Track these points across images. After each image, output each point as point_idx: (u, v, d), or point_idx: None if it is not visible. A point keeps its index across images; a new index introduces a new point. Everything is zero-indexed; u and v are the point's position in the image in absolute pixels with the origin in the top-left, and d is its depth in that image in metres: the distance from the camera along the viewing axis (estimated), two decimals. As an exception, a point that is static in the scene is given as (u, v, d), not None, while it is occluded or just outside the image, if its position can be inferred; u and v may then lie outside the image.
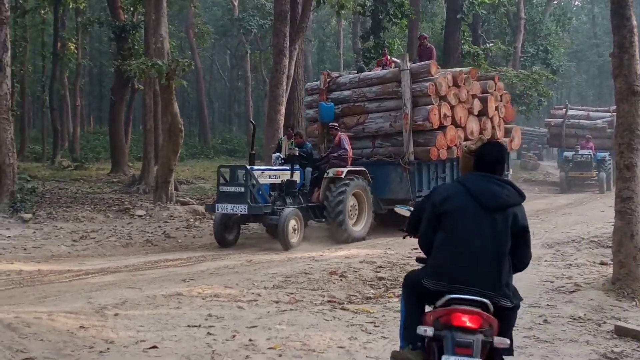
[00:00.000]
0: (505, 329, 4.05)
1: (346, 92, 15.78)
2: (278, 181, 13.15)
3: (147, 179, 20.44)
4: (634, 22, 7.91)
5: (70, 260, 11.07)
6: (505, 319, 4.07)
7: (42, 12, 33.14)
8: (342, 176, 13.36)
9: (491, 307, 3.94)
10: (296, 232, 12.60)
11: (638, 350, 5.99)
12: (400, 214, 6.39)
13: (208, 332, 6.10)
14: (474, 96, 15.42)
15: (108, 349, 5.55)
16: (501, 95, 16.55)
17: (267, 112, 20.25)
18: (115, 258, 11.46)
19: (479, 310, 3.88)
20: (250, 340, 5.91)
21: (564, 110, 32.18)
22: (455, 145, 14.77)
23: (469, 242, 4.01)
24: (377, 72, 16.03)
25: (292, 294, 7.93)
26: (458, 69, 16.14)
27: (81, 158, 30.44)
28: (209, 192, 20.55)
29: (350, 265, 9.72)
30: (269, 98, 19.78)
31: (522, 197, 4.19)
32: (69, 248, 12.17)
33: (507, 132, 16.88)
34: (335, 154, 13.89)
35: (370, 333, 6.37)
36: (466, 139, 15.13)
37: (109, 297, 7.45)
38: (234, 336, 6.03)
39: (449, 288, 3.99)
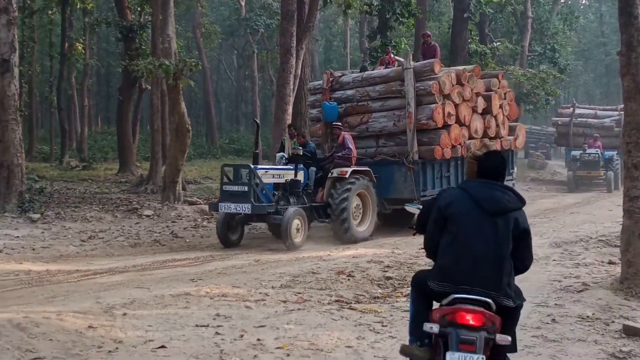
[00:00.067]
0: (508, 327, 4.23)
1: (349, 92, 15.74)
2: (282, 181, 13.08)
3: (155, 179, 20.48)
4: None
5: (78, 260, 11.10)
6: (508, 317, 4.23)
7: (50, 12, 33.25)
8: (347, 176, 13.30)
9: (493, 306, 4.13)
10: (300, 231, 12.52)
11: (646, 350, 5.98)
12: (409, 212, 6.56)
13: (216, 332, 6.11)
14: (477, 94, 15.38)
15: (117, 348, 5.57)
16: (505, 93, 16.50)
17: (274, 112, 20.26)
18: (123, 258, 11.48)
19: (481, 309, 4.06)
20: (258, 339, 5.92)
21: (572, 109, 32.10)
22: (460, 144, 14.73)
23: (471, 246, 4.20)
24: (381, 71, 16.00)
25: (299, 293, 7.94)
26: (462, 67, 16.08)
27: (89, 158, 30.53)
28: (217, 191, 20.46)
29: (357, 265, 9.72)
30: (276, 98, 19.80)
31: (523, 202, 4.37)
32: (77, 248, 12.21)
33: (512, 130, 16.84)
34: (339, 154, 13.84)
35: (378, 333, 6.37)
36: (470, 138, 15.12)
37: (117, 297, 7.47)
38: (242, 336, 6.04)
39: (454, 289, 4.18)
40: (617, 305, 7.32)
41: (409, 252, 11.03)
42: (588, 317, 6.90)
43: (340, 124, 14.59)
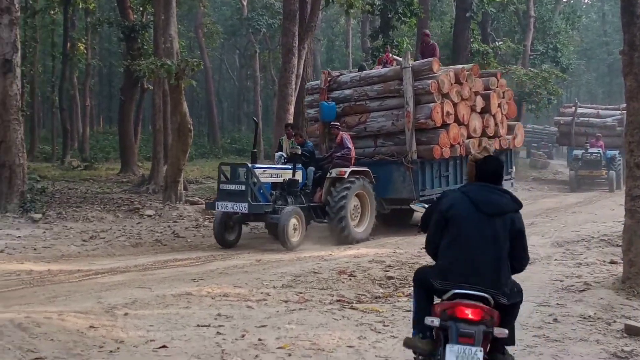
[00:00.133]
0: (507, 322, 4.46)
1: (347, 91, 15.67)
2: (280, 180, 12.99)
3: (157, 179, 20.49)
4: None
5: (80, 260, 11.10)
6: (507, 312, 4.46)
7: (52, 12, 33.32)
8: (345, 176, 13.23)
9: (492, 301, 4.34)
10: (297, 231, 12.40)
11: (649, 350, 5.96)
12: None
13: (217, 332, 6.11)
14: (476, 93, 15.32)
15: (118, 348, 5.57)
16: (504, 92, 16.45)
17: (276, 112, 20.29)
18: (125, 258, 11.48)
19: (480, 304, 4.27)
20: (259, 339, 5.92)
21: (574, 108, 32.09)
22: (459, 143, 14.68)
23: (471, 247, 4.42)
24: (379, 70, 15.93)
25: (301, 293, 7.93)
26: (460, 66, 16.07)
27: (91, 158, 30.58)
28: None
29: (359, 265, 9.71)
30: (278, 97, 19.81)
31: (519, 205, 4.60)
32: (79, 248, 12.21)
33: (510, 129, 16.79)
34: (338, 154, 13.77)
35: (380, 332, 6.36)
36: (469, 137, 15.08)
37: (119, 296, 7.47)
38: (243, 335, 6.04)
39: (455, 287, 4.40)
40: (619, 304, 7.30)
41: (411, 251, 11.01)
42: (590, 316, 6.89)
43: (338, 123, 14.51)
